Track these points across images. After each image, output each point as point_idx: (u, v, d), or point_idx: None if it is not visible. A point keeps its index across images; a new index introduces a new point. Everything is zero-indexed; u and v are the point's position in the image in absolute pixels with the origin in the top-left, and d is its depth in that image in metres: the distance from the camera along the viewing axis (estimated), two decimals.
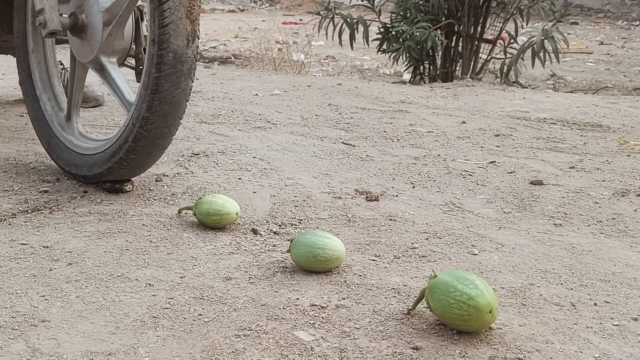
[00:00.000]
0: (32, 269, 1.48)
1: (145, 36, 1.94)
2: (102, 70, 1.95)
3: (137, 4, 1.93)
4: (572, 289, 1.45)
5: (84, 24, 1.93)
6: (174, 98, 1.77)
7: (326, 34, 4.59)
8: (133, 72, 2.02)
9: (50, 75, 2.19)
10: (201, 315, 1.31)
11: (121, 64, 1.99)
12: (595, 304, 1.38)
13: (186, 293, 1.39)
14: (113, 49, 1.92)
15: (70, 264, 1.50)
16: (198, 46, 1.79)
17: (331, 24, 4.57)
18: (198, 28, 1.76)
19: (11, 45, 2.61)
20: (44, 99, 2.15)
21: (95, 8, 1.89)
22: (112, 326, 1.26)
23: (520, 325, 1.28)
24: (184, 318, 1.29)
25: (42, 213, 1.80)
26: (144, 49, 1.92)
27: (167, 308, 1.33)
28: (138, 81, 1.92)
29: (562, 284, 1.47)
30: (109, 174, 1.89)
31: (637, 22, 10.53)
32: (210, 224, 1.71)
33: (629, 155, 2.50)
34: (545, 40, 4.23)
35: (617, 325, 1.30)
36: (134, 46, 1.98)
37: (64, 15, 1.92)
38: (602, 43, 7.96)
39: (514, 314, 1.33)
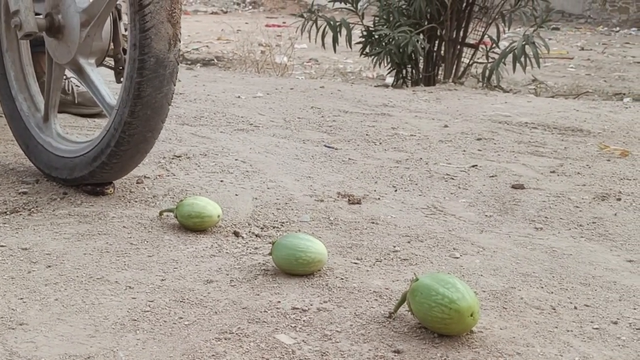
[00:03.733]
0: (10, 271, 1.46)
1: (124, 35, 1.91)
2: (80, 72, 1.93)
3: (115, 4, 1.92)
4: (552, 292, 1.46)
5: (60, 25, 1.89)
6: (157, 102, 1.76)
7: (309, 36, 4.59)
8: (111, 72, 2.00)
9: (25, 75, 2.15)
10: (182, 318, 1.30)
11: (99, 64, 1.97)
12: (575, 308, 1.39)
13: (167, 296, 1.38)
14: (91, 50, 1.90)
15: (49, 266, 1.49)
16: (180, 49, 1.78)
17: (314, 26, 4.58)
18: (180, 31, 1.75)
19: None
20: (20, 99, 2.12)
21: (72, 9, 1.86)
22: (91, 329, 1.25)
23: (501, 329, 1.29)
24: (164, 321, 1.28)
25: (21, 215, 1.78)
26: (123, 49, 1.90)
27: (147, 311, 1.32)
28: (118, 82, 1.90)
29: (542, 287, 1.48)
30: (91, 178, 1.88)
31: (618, 28, 10.65)
32: (192, 226, 1.70)
33: (609, 160, 2.52)
34: (527, 45, 4.26)
35: (597, 328, 1.30)
36: (112, 46, 1.95)
37: (39, 16, 1.89)
38: (582, 48, 8.03)
39: (495, 317, 1.33)
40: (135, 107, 1.74)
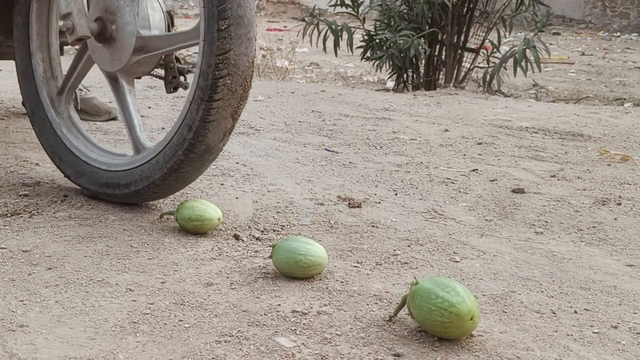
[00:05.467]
0: (10, 273, 1.46)
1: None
2: (116, 85, 1.86)
3: (168, 10, 1.85)
4: (552, 296, 1.46)
5: (112, 37, 1.80)
6: (191, 178, 1.77)
7: (310, 40, 4.59)
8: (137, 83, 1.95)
9: (49, 31, 1.99)
10: (182, 320, 1.30)
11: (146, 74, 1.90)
12: (575, 312, 1.39)
13: (167, 298, 1.38)
14: (135, 73, 1.84)
15: (50, 268, 1.49)
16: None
17: (315, 30, 4.58)
18: (237, 123, 1.73)
19: (12, 51, 2.52)
20: (37, 58, 1.98)
21: (129, 29, 1.77)
22: (91, 331, 1.25)
23: (501, 332, 1.29)
24: (164, 324, 1.28)
25: (21, 217, 1.78)
26: (176, 58, 1.83)
27: (148, 313, 1.32)
28: (168, 91, 1.86)
29: (542, 291, 1.48)
30: (88, 190, 1.89)
31: (618, 33, 10.65)
32: (192, 229, 1.70)
33: (609, 165, 2.53)
34: (527, 50, 4.27)
35: (597, 332, 1.30)
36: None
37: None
38: (583, 53, 8.04)
39: (495, 321, 1.33)
40: (168, 176, 1.73)
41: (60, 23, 1.82)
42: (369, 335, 1.26)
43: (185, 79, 1.91)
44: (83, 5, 1.76)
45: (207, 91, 1.62)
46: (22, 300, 1.34)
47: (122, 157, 1.89)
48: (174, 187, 1.76)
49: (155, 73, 1.91)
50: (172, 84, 1.86)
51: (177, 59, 1.85)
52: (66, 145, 1.96)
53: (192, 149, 1.68)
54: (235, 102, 1.66)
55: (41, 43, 2.00)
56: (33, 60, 2.01)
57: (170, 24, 1.84)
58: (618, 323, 1.34)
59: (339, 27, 4.56)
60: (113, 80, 1.88)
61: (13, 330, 1.23)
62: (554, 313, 1.38)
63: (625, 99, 5.02)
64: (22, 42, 2.01)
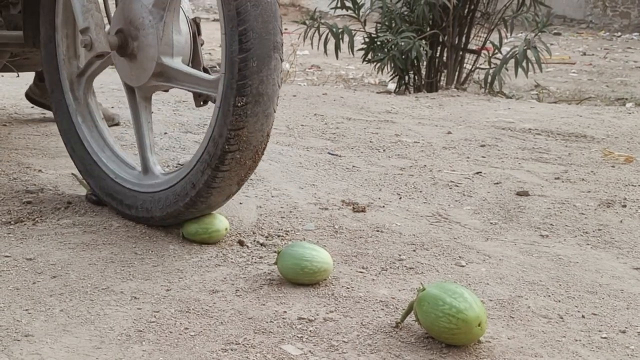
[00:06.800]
0: (15, 281, 1.45)
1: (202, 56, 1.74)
2: (132, 96, 1.80)
3: (193, 17, 1.74)
4: (559, 301, 1.45)
5: (132, 54, 1.71)
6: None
7: (311, 43, 4.59)
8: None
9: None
10: (187, 329, 1.29)
11: None
12: (583, 316, 1.38)
13: (172, 306, 1.37)
14: (154, 91, 1.79)
15: (54, 276, 1.48)
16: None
17: (316, 33, 4.57)
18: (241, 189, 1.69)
19: (34, 62, 2.42)
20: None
21: (151, 52, 1.66)
22: (97, 340, 1.24)
23: (508, 338, 1.28)
24: (170, 332, 1.28)
25: (25, 224, 1.77)
26: (204, 69, 1.72)
27: (153, 322, 1.31)
28: (197, 105, 1.75)
29: (549, 295, 1.47)
30: (94, 196, 1.88)
31: (619, 33, 10.64)
32: (199, 241, 1.69)
33: (613, 166, 2.52)
34: (528, 50, 4.26)
35: (605, 337, 1.30)
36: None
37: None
38: (584, 53, 8.03)
39: (502, 327, 1.32)
40: (167, 218, 1.69)
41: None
42: (375, 342, 1.26)
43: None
44: (101, 19, 1.67)
45: (215, 159, 1.56)
46: (27, 310, 1.34)
47: (130, 170, 1.84)
48: (170, 224, 1.73)
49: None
50: (201, 97, 1.73)
51: (206, 70, 1.72)
52: (79, 136, 1.90)
53: (193, 205, 1.64)
54: (243, 172, 1.61)
55: (67, 19, 1.90)
56: (57, 35, 1.91)
57: (196, 32, 1.73)
58: (626, 327, 1.34)
59: (340, 30, 4.56)
60: (130, 91, 1.80)
61: (18, 340, 1.23)
62: (562, 318, 1.37)
63: (627, 99, 5.01)
64: (48, 15, 1.91)
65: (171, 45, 1.67)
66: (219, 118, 1.56)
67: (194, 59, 1.73)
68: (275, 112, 1.58)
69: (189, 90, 1.69)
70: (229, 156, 1.55)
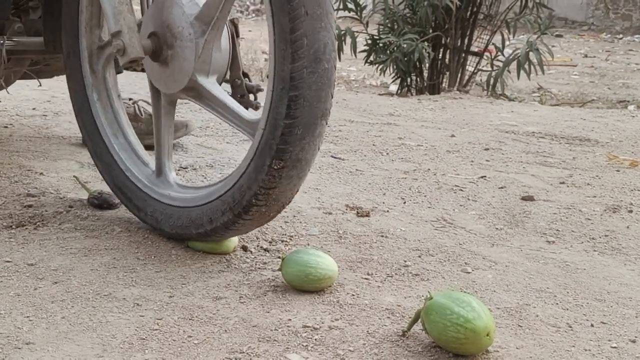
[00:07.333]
0: (16, 287, 1.44)
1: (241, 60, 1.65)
2: (156, 97, 1.72)
3: (232, 19, 1.62)
4: (567, 309, 1.43)
5: (165, 62, 1.59)
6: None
7: None
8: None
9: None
10: (191, 337, 1.27)
11: None
12: (592, 325, 1.36)
13: (175, 313, 1.35)
14: (181, 99, 1.70)
15: (56, 282, 1.46)
16: None
17: None
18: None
19: (55, 68, 2.33)
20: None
21: (186, 67, 1.55)
22: (99, 348, 1.22)
23: (517, 348, 1.26)
24: (173, 340, 1.26)
25: (26, 229, 1.75)
26: (243, 73, 1.63)
27: (156, 329, 1.29)
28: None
29: (557, 303, 1.45)
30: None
31: (621, 35, 10.63)
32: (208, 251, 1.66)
33: (618, 170, 2.50)
34: (530, 52, 4.25)
35: (615, 347, 1.28)
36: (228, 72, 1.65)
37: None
38: (586, 56, 8.02)
39: (511, 336, 1.31)
40: (172, 236, 1.67)
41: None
42: (382, 352, 1.24)
43: (256, 98, 1.67)
44: (134, 21, 1.54)
45: (239, 207, 1.49)
46: (28, 316, 1.32)
47: (144, 168, 1.76)
48: (176, 240, 1.69)
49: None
50: (240, 104, 1.60)
51: (246, 74, 1.64)
52: (91, 113, 1.79)
53: (205, 236, 1.59)
54: (265, 221, 1.56)
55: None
56: (81, 2, 1.77)
57: (234, 33, 1.62)
58: (636, 337, 1.32)
59: (342, 31, 4.55)
60: (155, 90, 1.70)
61: (19, 348, 1.21)
62: (570, 327, 1.35)
63: (629, 101, 4.99)
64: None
65: (209, 63, 1.55)
66: (249, 170, 1.47)
67: (233, 63, 1.63)
68: (309, 171, 1.51)
69: (219, 117, 1.60)
70: (254, 209, 1.49)
